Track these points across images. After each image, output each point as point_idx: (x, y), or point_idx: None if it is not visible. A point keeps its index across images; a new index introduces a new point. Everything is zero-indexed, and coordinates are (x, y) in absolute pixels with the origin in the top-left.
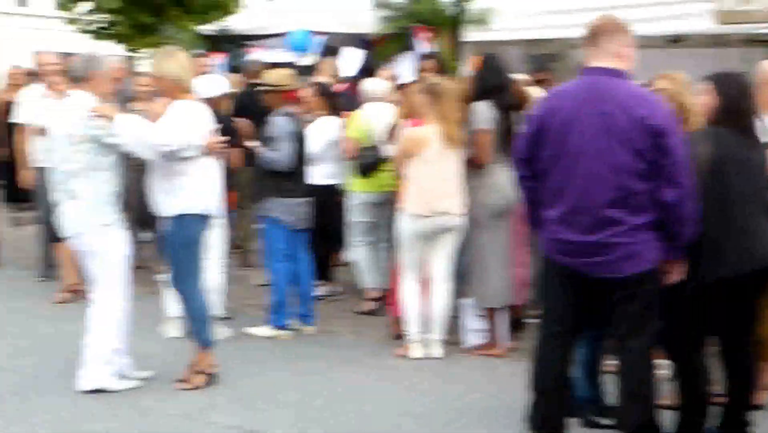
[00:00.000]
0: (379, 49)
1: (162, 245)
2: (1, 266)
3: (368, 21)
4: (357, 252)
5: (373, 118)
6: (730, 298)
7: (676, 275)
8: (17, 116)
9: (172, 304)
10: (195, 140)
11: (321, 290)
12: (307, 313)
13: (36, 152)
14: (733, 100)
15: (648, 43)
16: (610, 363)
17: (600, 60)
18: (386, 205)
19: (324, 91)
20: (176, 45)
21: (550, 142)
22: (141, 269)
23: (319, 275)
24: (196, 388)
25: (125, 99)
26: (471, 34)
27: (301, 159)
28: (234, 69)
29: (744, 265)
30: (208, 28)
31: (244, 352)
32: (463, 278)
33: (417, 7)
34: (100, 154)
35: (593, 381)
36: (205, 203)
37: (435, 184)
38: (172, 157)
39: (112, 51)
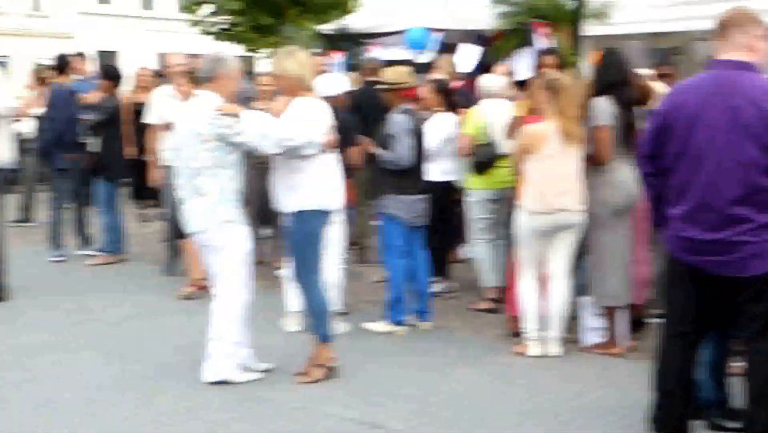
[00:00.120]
0: (497, 45)
1: (283, 241)
2: (128, 261)
3: (485, 17)
4: (477, 250)
5: (490, 114)
6: None
7: None
8: (148, 117)
9: (292, 298)
10: (316, 136)
11: (437, 286)
12: (424, 309)
13: (164, 151)
14: None
15: None
16: (737, 365)
17: (730, 53)
18: (504, 202)
19: (441, 88)
20: (295, 44)
21: (675, 138)
22: (261, 264)
23: (436, 271)
24: (316, 381)
25: (245, 99)
26: (591, 29)
27: (418, 156)
28: (352, 67)
29: None
30: (327, 27)
31: (361, 347)
32: (582, 276)
33: (536, 2)
34: (224, 152)
35: (719, 383)
36: (325, 200)
37: (553, 181)
38: (294, 153)
39: (232, 52)
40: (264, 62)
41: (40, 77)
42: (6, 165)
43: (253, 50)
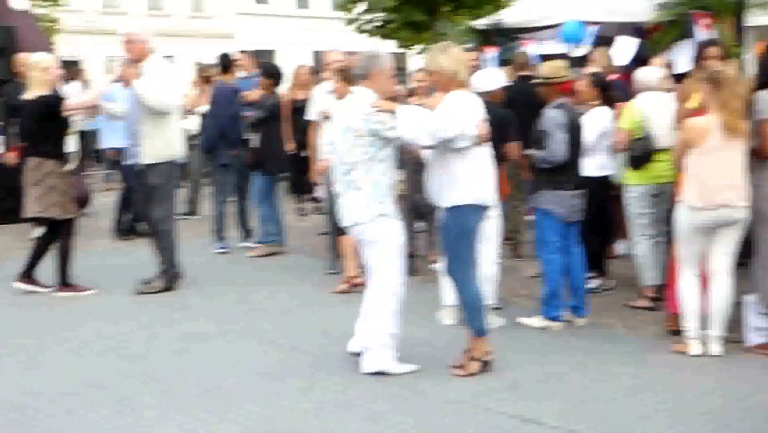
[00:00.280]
0: (654, 38)
1: (439, 235)
2: (286, 253)
3: (642, 9)
4: (638, 247)
5: (647, 108)
6: None
7: None
8: (308, 113)
9: (447, 292)
10: (469, 129)
11: (593, 282)
12: (579, 305)
13: (323, 146)
14: None
15: None
16: None
17: None
18: (663, 197)
19: (598, 81)
20: (449, 40)
21: None
22: (415, 257)
23: (592, 267)
24: (471, 375)
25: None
26: (755, 19)
27: (574, 151)
28: (504, 62)
29: None
30: (481, 22)
31: (516, 341)
32: (746, 274)
33: None
34: (378, 146)
35: None
36: (480, 194)
37: (716, 176)
38: (448, 145)
39: (386, 49)
40: (417, 59)
41: (203, 76)
42: (179, 159)
43: (406, 47)
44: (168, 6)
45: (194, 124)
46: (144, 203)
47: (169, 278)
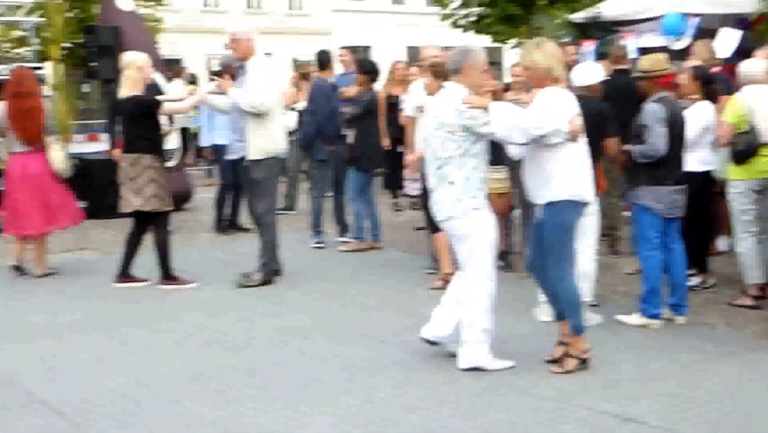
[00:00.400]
0: (759, 29)
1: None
2: (381, 248)
3: (746, 0)
4: (742, 244)
5: (752, 101)
6: None
7: None
8: (405, 108)
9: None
10: (562, 125)
11: (694, 279)
12: (679, 303)
13: (418, 142)
14: None
15: None
16: None
17: None
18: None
19: (700, 74)
20: (544, 35)
21: None
22: (511, 254)
23: (693, 264)
24: (568, 372)
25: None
26: None
27: (675, 146)
28: (602, 56)
29: None
30: (579, 15)
31: (614, 339)
32: None
33: None
34: (470, 142)
35: None
36: (576, 189)
37: None
38: (542, 142)
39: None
40: (512, 53)
41: (301, 73)
42: (282, 154)
43: (501, 41)
44: (266, 4)
45: (292, 120)
46: (250, 198)
47: (269, 271)
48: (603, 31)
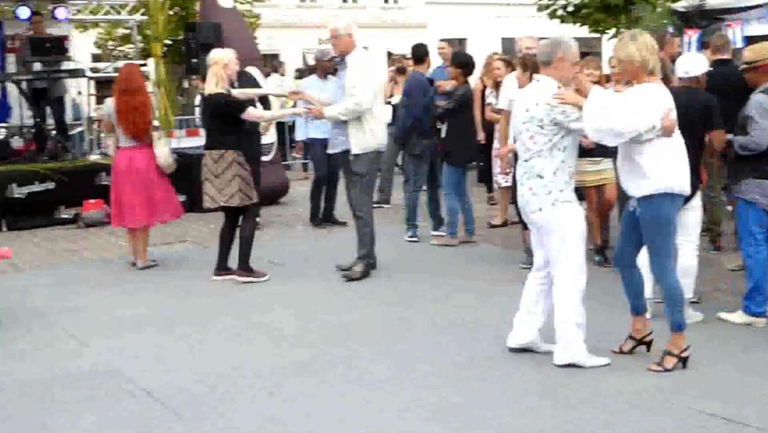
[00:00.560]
0: None
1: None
2: (475, 243)
3: None
4: None
5: None
6: None
7: None
8: (499, 102)
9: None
10: (655, 122)
11: None
12: None
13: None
14: None
15: None
16: None
17: None
18: None
19: None
20: (645, 24)
21: None
22: (608, 248)
23: None
24: (668, 370)
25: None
26: None
27: None
28: (705, 45)
29: None
30: (682, 4)
31: (715, 337)
32: None
33: None
34: (560, 136)
35: None
36: (671, 182)
37: None
38: (636, 140)
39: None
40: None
41: (398, 67)
42: (383, 148)
43: (600, 31)
44: None
45: (387, 114)
46: (349, 191)
47: (367, 264)
48: (707, 19)
